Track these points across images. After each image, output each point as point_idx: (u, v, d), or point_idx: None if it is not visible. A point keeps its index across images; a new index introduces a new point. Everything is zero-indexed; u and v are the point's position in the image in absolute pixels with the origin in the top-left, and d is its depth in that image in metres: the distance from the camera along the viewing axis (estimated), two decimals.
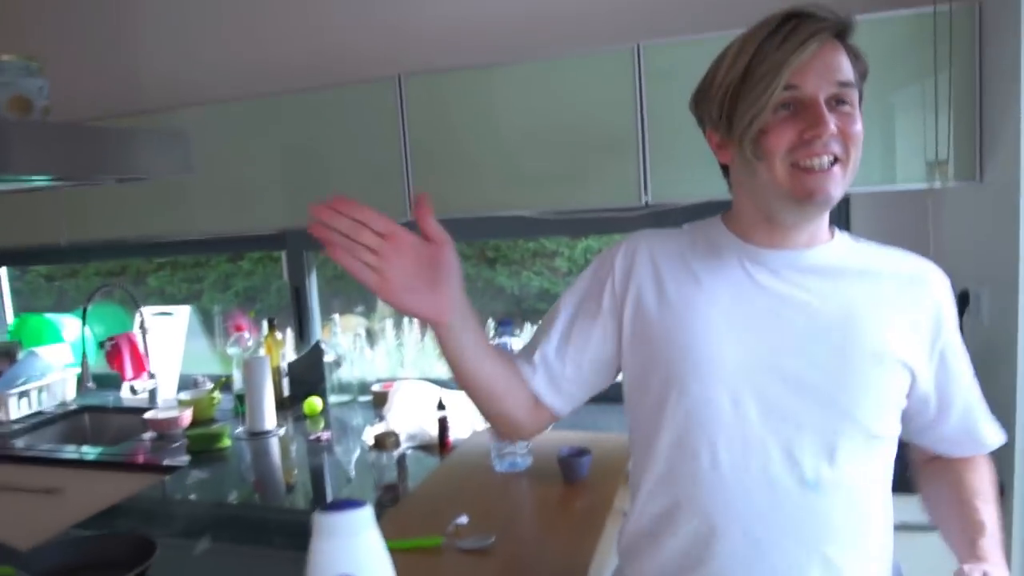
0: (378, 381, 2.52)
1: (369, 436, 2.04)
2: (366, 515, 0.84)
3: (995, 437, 1.07)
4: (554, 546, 1.27)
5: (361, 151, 2.13)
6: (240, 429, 2.26)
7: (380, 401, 2.42)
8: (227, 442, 2.12)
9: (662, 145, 1.87)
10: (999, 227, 1.61)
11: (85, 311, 2.46)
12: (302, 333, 2.69)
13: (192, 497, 1.82)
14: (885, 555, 1.01)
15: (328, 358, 2.48)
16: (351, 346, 2.53)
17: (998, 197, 1.62)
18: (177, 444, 2.18)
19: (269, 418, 2.24)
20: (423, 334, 3.31)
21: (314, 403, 2.39)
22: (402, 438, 2.03)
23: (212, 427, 2.18)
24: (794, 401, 0.94)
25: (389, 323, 3.38)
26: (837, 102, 0.91)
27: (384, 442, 1.62)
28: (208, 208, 2.35)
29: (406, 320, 3.34)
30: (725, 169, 1.03)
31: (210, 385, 2.53)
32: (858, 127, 0.92)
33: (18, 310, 3.32)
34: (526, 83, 1.97)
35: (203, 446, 2.10)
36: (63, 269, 3.35)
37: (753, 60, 0.91)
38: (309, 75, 2.41)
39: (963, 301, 1.76)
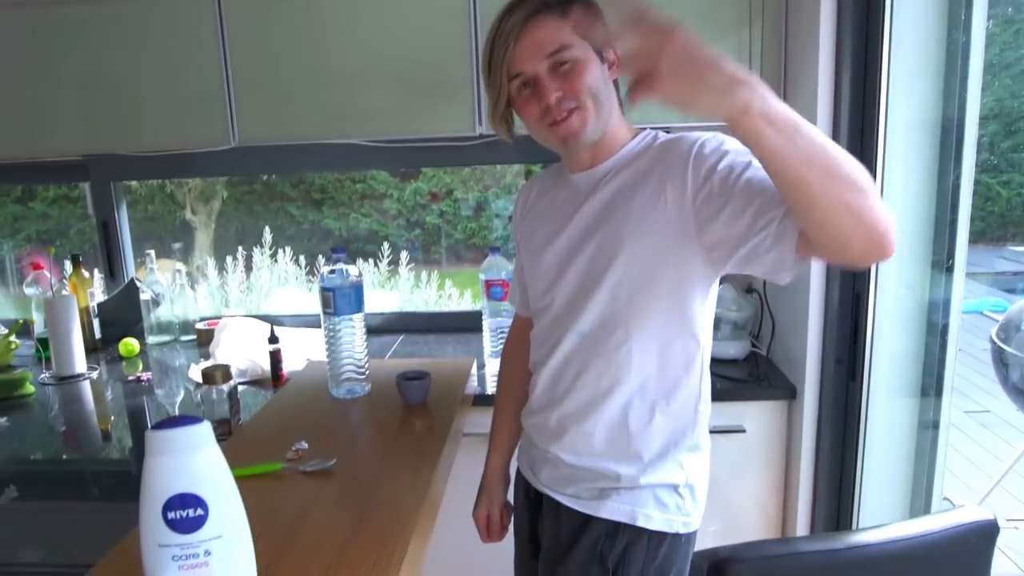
0: (202, 319, 2.39)
1: (196, 372, 1.94)
2: (203, 431, 0.81)
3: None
4: (395, 466, 1.28)
5: (177, 73, 1.96)
6: (45, 375, 2.07)
7: (205, 340, 2.31)
8: (30, 388, 1.94)
9: None
10: None
11: None
12: (113, 271, 2.48)
13: None
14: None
15: (144, 296, 2.31)
16: (171, 284, 2.37)
17: None
18: None
19: (79, 361, 2.06)
20: (247, 273, 3.16)
21: (131, 344, 2.23)
22: (234, 373, 1.95)
23: (12, 373, 1.98)
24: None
25: (211, 263, 3.20)
26: (560, 64, 1.08)
27: (213, 375, 1.55)
28: None
29: (229, 259, 3.18)
30: None
31: (3, 331, 2.28)
32: (585, 79, 1.08)
33: None
34: (357, 13, 1.90)
35: (2, 393, 1.90)
36: None
37: (489, 56, 1.12)
38: None
39: None
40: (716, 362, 1.85)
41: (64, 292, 2.07)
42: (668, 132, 1.17)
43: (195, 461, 0.79)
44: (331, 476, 1.22)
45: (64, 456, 1.62)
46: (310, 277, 3.09)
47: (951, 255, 1.59)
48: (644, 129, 1.19)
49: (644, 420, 1.14)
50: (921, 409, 1.74)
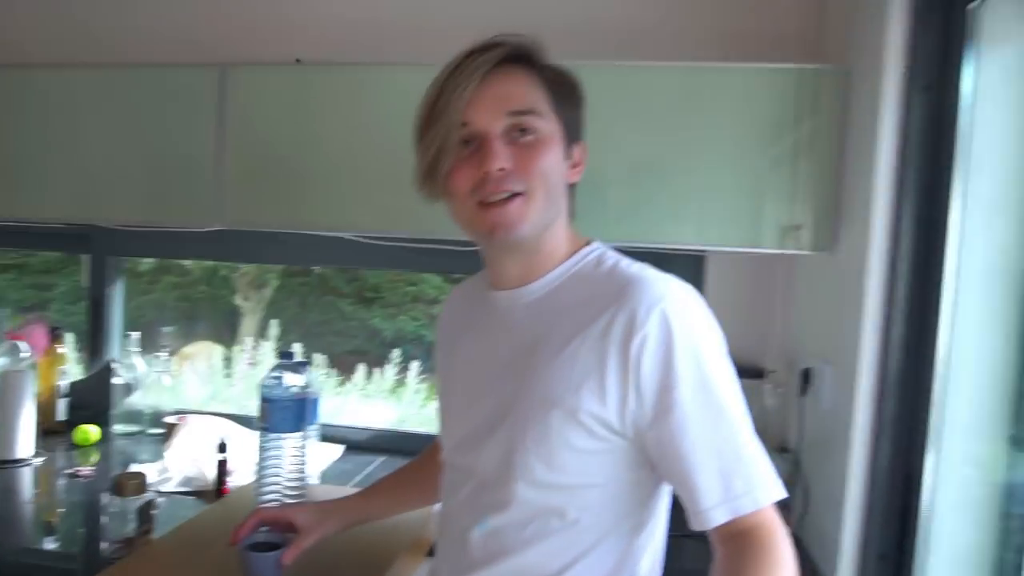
0: (177, 413, 2.19)
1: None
2: None
3: (711, 499, 0.81)
4: None
5: (173, 147, 1.85)
6: None
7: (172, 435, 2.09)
8: None
9: None
10: (845, 302, 1.50)
11: None
12: (95, 350, 2.32)
13: None
14: None
15: (118, 380, 2.14)
16: (150, 369, 2.19)
17: (847, 269, 1.52)
18: None
19: (24, 444, 1.87)
20: (254, 364, 3.00)
21: (88, 431, 2.02)
22: (178, 480, 1.72)
23: None
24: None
25: (217, 351, 3.06)
26: (520, 132, 0.87)
27: (124, 486, 1.32)
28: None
29: (236, 349, 3.03)
30: None
31: None
32: (543, 161, 0.86)
33: None
34: (376, 87, 1.76)
35: None
36: None
37: (436, 100, 0.87)
38: (132, 51, 2.12)
39: (805, 380, 1.65)
40: None
41: (23, 366, 1.90)
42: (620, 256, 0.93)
43: None
44: None
45: None
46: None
47: None
48: (590, 243, 0.96)
49: None
50: None
